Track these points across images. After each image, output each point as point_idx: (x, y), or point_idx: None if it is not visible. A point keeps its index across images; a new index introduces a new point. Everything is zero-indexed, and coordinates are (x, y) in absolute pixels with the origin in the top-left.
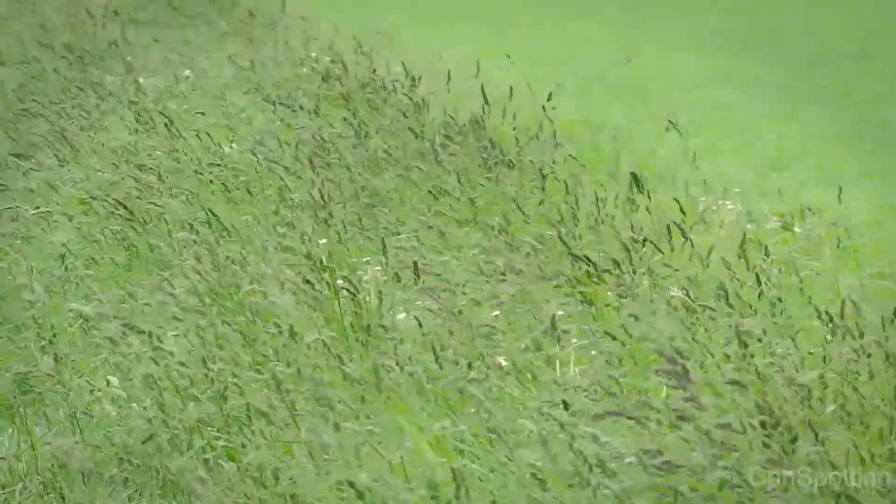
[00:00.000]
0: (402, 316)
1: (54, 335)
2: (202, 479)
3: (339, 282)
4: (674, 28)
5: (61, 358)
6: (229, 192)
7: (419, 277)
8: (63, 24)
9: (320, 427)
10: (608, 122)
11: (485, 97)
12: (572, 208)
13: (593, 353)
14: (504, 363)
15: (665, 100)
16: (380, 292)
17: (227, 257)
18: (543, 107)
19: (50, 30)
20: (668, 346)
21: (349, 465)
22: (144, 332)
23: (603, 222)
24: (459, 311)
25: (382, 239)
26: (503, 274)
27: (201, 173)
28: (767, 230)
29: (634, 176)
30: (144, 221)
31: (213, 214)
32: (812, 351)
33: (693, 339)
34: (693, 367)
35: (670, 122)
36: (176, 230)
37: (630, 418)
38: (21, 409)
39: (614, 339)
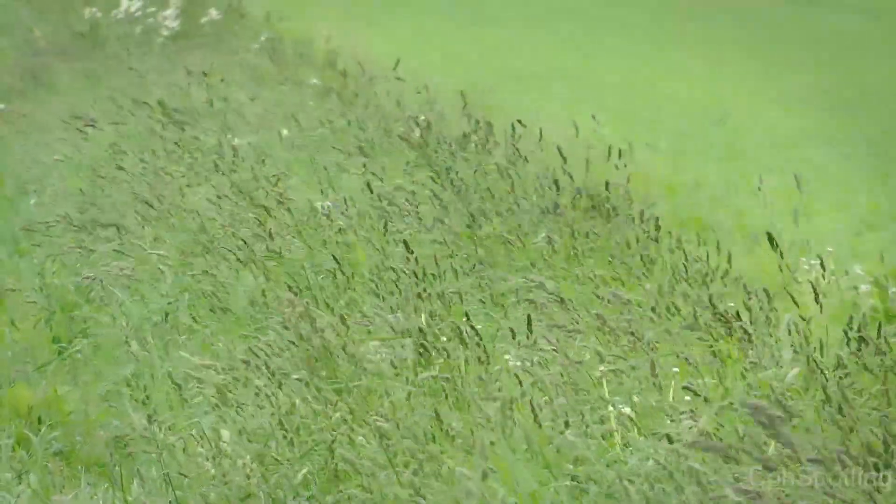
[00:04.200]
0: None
1: (148, 396)
2: None
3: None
4: (764, 86)
5: (156, 416)
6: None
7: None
8: (159, 84)
9: (417, 483)
10: (702, 181)
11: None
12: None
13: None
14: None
15: (757, 159)
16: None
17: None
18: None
19: (145, 89)
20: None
21: None
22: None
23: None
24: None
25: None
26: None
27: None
28: (861, 291)
29: (770, 236)
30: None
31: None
32: None
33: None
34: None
35: (760, 179)
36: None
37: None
38: (116, 468)
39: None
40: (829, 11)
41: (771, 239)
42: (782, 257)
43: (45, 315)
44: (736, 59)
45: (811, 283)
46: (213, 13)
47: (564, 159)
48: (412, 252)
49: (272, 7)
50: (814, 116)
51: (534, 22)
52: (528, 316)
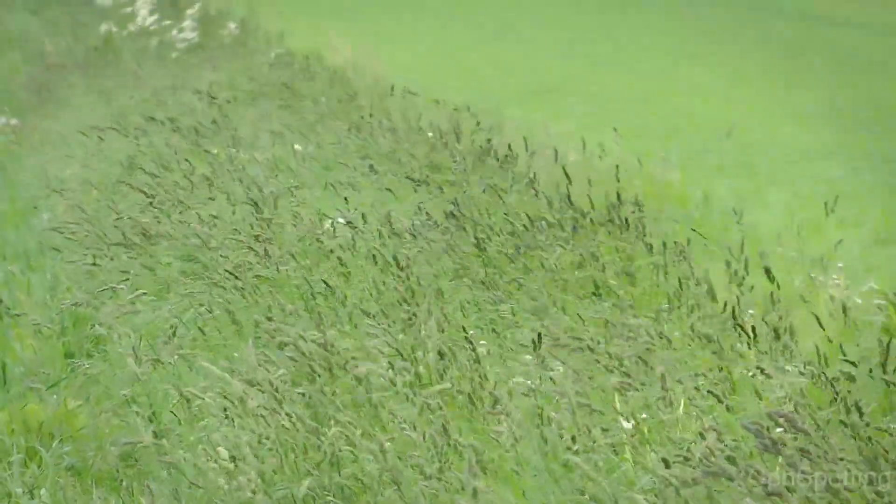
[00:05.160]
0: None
1: (154, 412)
2: None
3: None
4: (780, 102)
5: (166, 431)
6: (342, 266)
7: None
8: (170, 99)
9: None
10: (714, 197)
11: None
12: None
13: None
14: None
15: (771, 174)
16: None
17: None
18: (649, 181)
19: (158, 104)
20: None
21: None
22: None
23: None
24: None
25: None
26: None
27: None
28: (873, 307)
29: (767, 270)
30: (252, 292)
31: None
32: None
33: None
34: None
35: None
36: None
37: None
38: (125, 483)
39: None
40: (846, 29)
41: (768, 272)
42: (778, 287)
43: (56, 331)
44: (751, 75)
45: (829, 297)
46: (231, 26)
47: (570, 180)
48: (402, 268)
49: (285, 23)
50: (828, 133)
51: (548, 37)
52: (539, 335)
